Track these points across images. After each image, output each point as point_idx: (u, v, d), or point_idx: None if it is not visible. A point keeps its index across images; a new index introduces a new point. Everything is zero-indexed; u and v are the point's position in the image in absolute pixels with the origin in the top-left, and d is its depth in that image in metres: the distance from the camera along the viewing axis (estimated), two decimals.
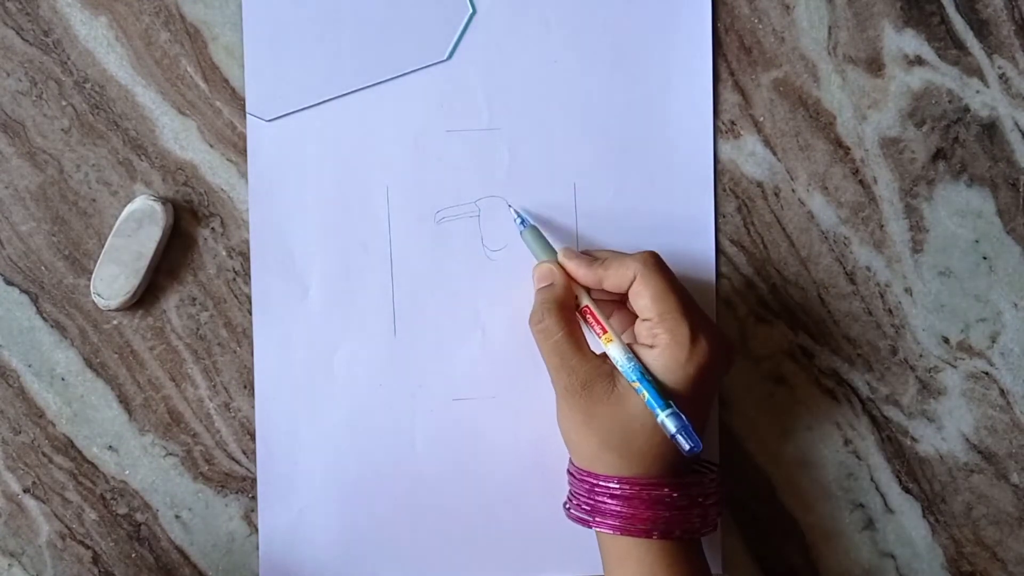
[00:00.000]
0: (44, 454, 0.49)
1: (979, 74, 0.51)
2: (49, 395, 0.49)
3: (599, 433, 0.42)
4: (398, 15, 0.49)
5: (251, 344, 0.49)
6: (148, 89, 0.49)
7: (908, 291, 0.51)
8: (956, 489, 0.51)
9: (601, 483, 0.43)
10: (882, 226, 0.51)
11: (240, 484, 0.49)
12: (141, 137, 0.49)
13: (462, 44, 0.49)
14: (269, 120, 0.49)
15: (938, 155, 0.51)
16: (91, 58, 0.48)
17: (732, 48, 0.50)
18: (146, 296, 0.49)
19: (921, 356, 0.51)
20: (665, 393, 0.41)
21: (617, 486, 0.42)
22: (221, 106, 0.49)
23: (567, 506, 0.46)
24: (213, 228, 0.49)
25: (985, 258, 0.51)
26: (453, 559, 0.49)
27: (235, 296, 0.49)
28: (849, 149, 0.51)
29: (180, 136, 0.49)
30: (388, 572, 0.49)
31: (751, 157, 0.50)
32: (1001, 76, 0.51)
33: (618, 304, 0.46)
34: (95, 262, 0.48)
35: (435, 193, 0.49)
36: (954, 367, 0.51)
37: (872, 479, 0.51)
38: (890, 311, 0.51)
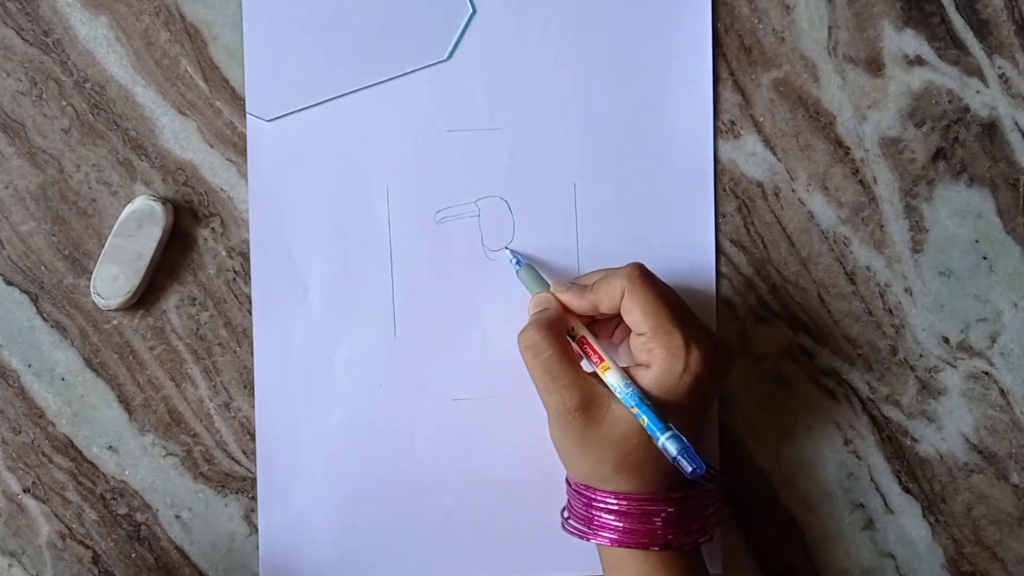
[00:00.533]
0: (44, 454, 0.49)
1: (979, 74, 0.51)
2: (49, 395, 0.49)
3: (595, 453, 0.42)
4: (398, 15, 0.49)
5: (251, 344, 0.49)
6: (148, 89, 0.49)
7: (908, 291, 0.51)
8: (956, 489, 0.51)
9: (599, 498, 0.42)
10: (882, 226, 0.51)
11: (240, 484, 0.49)
12: (141, 137, 0.49)
13: (462, 44, 0.49)
14: (269, 120, 0.49)
15: (938, 155, 0.51)
16: (91, 58, 0.48)
17: (732, 48, 0.50)
18: (146, 296, 0.49)
19: (921, 356, 0.51)
20: (664, 414, 0.41)
21: (615, 502, 0.42)
22: (221, 106, 0.49)
23: (565, 517, 0.46)
24: (213, 228, 0.49)
25: (985, 258, 0.51)
26: (453, 559, 0.49)
27: (235, 296, 0.49)
28: (849, 149, 0.51)
29: (180, 136, 0.49)
30: (388, 572, 0.49)
31: (751, 157, 0.50)
32: (1001, 76, 0.51)
33: (620, 320, 0.46)
34: (95, 262, 0.48)
35: (435, 193, 0.49)
36: (954, 367, 0.51)
37: (872, 479, 0.51)
38: (890, 311, 0.51)
